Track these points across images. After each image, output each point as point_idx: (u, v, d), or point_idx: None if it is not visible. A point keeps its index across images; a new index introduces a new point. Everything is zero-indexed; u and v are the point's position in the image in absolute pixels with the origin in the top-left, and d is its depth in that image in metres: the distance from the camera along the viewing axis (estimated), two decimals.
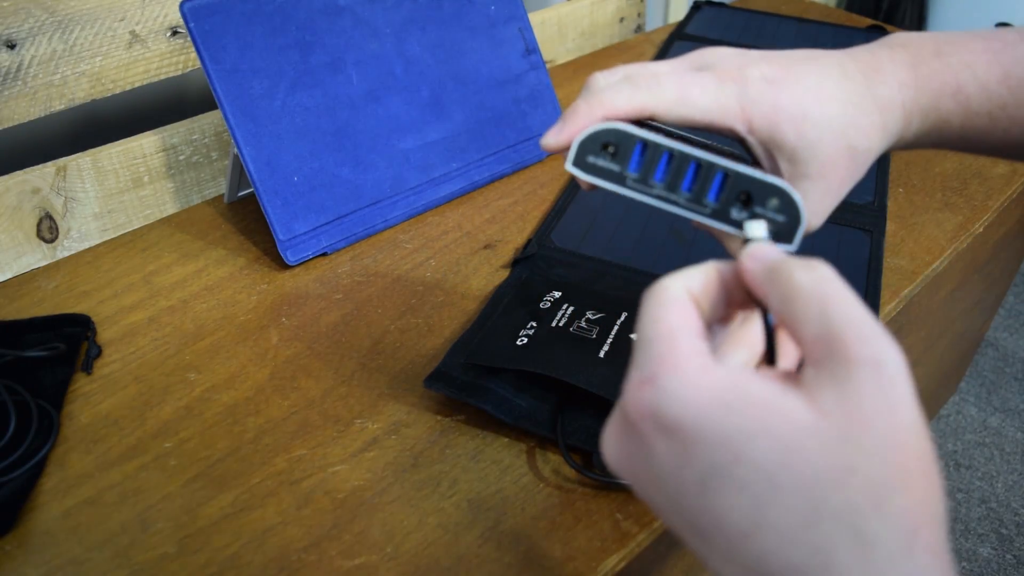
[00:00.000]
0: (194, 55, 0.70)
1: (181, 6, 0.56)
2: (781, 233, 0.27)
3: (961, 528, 1.27)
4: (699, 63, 0.33)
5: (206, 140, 0.70)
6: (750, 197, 0.27)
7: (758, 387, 0.22)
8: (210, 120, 0.70)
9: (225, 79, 0.57)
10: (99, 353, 0.53)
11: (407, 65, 0.66)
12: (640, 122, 0.31)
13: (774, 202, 0.27)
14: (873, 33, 0.99)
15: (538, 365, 0.46)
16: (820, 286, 0.22)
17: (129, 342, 0.54)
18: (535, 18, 0.93)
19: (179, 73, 0.70)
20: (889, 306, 0.56)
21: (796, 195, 0.27)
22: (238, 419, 0.48)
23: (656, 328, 0.24)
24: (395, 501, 0.43)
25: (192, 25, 0.56)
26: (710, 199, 0.28)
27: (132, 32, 0.66)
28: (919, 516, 0.21)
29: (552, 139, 0.31)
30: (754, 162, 0.34)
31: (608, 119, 0.30)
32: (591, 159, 0.28)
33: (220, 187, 0.73)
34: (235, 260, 0.62)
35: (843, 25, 1.02)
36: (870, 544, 0.20)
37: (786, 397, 0.22)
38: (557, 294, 0.54)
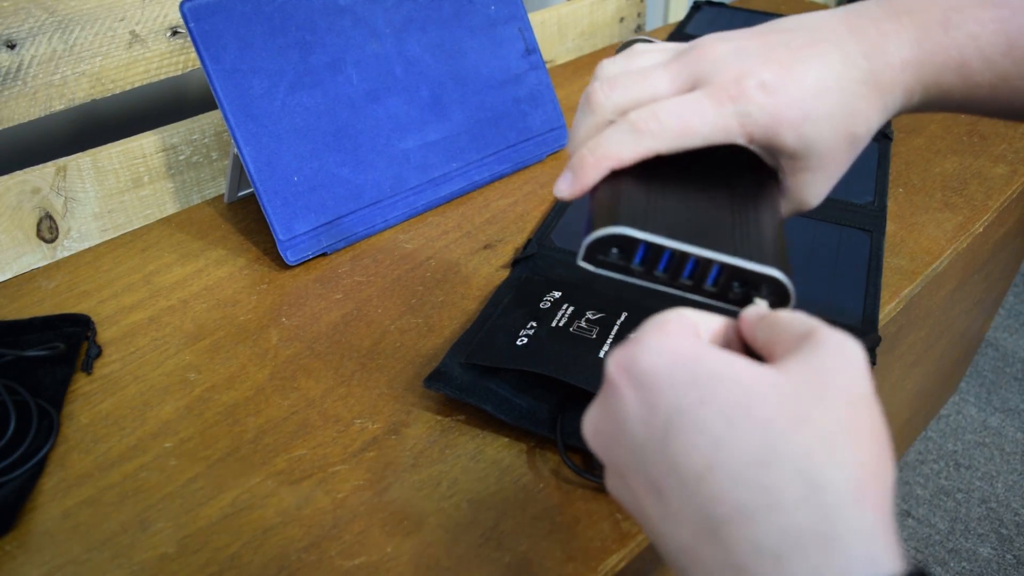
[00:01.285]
0: (194, 55, 0.70)
1: (181, 6, 0.56)
2: (775, 306, 0.30)
3: (961, 528, 1.27)
4: (696, 73, 0.33)
5: (206, 140, 0.70)
6: (745, 281, 0.30)
7: (728, 353, 0.25)
8: (210, 120, 0.70)
9: (225, 79, 0.57)
10: (99, 353, 0.53)
11: (407, 65, 0.66)
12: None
13: (766, 287, 0.29)
14: None
15: (538, 365, 0.46)
16: (801, 317, 0.26)
17: (129, 342, 0.54)
18: (535, 18, 0.93)
19: (179, 73, 0.70)
20: (889, 306, 0.56)
21: (786, 280, 0.29)
22: (238, 419, 0.48)
23: (652, 321, 0.27)
24: (395, 501, 0.43)
25: (192, 25, 0.56)
26: (709, 285, 0.30)
27: (132, 32, 0.66)
28: (868, 473, 0.22)
29: (565, 191, 0.33)
30: (757, 161, 0.34)
31: (616, 169, 0.32)
32: (599, 256, 0.31)
33: (220, 187, 0.73)
34: (235, 260, 0.62)
35: None
36: (819, 488, 0.21)
37: (751, 362, 0.24)
38: (557, 294, 0.54)
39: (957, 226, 0.65)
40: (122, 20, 0.65)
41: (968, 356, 1.37)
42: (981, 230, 0.66)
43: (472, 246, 0.63)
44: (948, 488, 1.34)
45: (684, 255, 0.30)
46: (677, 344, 0.25)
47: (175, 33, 0.68)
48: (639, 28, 1.11)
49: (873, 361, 0.50)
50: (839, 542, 0.20)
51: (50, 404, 0.48)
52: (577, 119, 0.34)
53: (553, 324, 0.50)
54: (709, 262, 0.29)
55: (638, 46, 0.36)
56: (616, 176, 0.32)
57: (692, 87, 0.33)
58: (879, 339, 0.51)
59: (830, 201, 0.66)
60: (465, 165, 0.69)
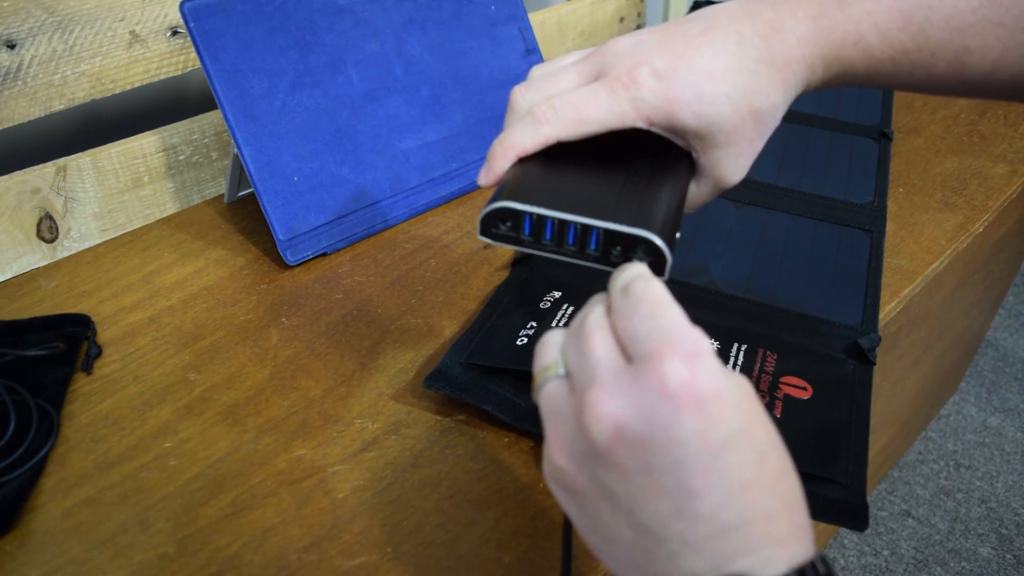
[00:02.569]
0: (194, 55, 0.70)
1: (181, 6, 0.56)
2: (655, 267, 0.32)
3: (961, 528, 1.27)
4: (597, 68, 0.36)
5: (206, 140, 0.70)
6: (623, 245, 0.32)
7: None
8: (210, 120, 0.70)
9: (225, 79, 0.57)
10: (99, 353, 0.53)
11: (407, 65, 0.66)
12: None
13: (642, 250, 0.32)
14: None
15: None
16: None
17: (129, 342, 0.54)
18: (535, 18, 0.93)
19: (179, 73, 0.70)
20: (889, 306, 0.56)
21: (658, 240, 0.31)
22: (238, 419, 0.48)
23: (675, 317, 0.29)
24: (395, 501, 0.43)
25: (192, 25, 0.56)
26: (591, 249, 0.33)
27: (132, 32, 0.66)
28: (779, 473, 0.28)
29: (482, 179, 0.36)
30: (671, 145, 0.37)
31: (521, 156, 0.35)
32: (494, 229, 0.34)
33: (220, 187, 0.73)
34: (235, 260, 0.62)
35: None
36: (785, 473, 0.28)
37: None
38: (557, 294, 0.54)
39: (957, 226, 0.65)
40: (122, 20, 0.65)
41: (968, 356, 1.37)
42: (981, 230, 0.66)
43: (472, 246, 0.63)
44: (948, 488, 1.34)
45: (564, 223, 0.32)
46: (722, 369, 0.27)
47: (175, 33, 0.68)
48: (639, 28, 1.11)
49: (873, 361, 0.50)
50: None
51: (50, 404, 0.48)
52: (505, 118, 0.38)
53: (553, 324, 0.50)
54: (587, 227, 0.32)
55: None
56: (523, 162, 0.35)
57: (594, 80, 0.35)
58: (879, 339, 0.51)
59: (830, 201, 0.66)
60: (465, 165, 0.69)
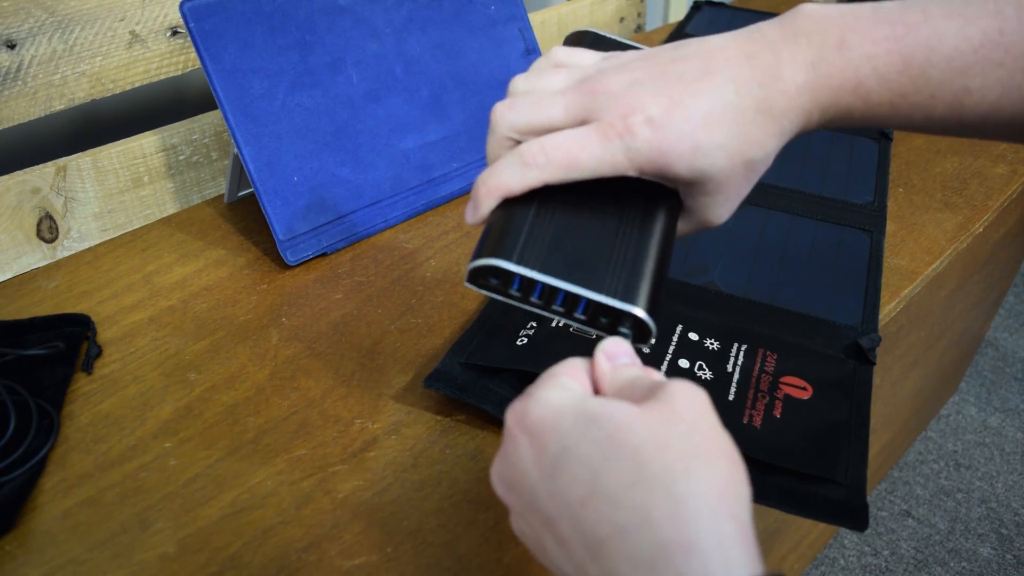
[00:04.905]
0: (194, 55, 0.70)
1: (181, 6, 0.56)
2: (639, 337, 0.33)
3: (961, 528, 1.27)
4: (588, 106, 0.34)
5: (206, 140, 0.70)
6: (611, 316, 0.32)
7: (604, 398, 0.29)
8: (210, 120, 0.70)
9: (225, 79, 0.57)
10: (99, 353, 0.53)
11: (407, 65, 0.66)
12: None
13: (628, 322, 0.32)
14: None
15: (538, 365, 0.46)
16: (650, 376, 0.31)
17: (129, 342, 0.54)
18: (535, 18, 0.93)
19: (179, 73, 0.70)
20: (889, 306, 0.56)
21: (646, 318, 0.32)
22: (238, 419, 0.48)
23: (546, 374, 0.31)
24: (395, 501, 0.43)
25: (192, 25, 0.56)
26: (579, 314, 0.33)
27: (132, 32, 0.66)
28: (722, 489, 0.26)
29: (470, 219, 0.36)
30: (652, 187, 0.36)
31: (507, 198, 0.35)
32: (481, 280, 0.34)
33: (220, 187, 0.73)
34: (235, 260, 0.62)
35: None
36: (681, 501, 0.25)
37: (616, 402, 0.28)
38: None
39: (957, 226, 0.65)
40: (122, 20, 0.65)
41: (968, 356, 1.37)
42: (981, 230, 0.66)
43: (472, 246, 0.63)
44: (948, 488, 1.34)
45: (554, 288, 0.32)
46: (563, 396, 0.29)
47: (175, 33, 0.68)
48: (639, 28, 1.11)
49: (873, 361, 0.50)
50: (698, 548, 0.24)
51: (50, 404, 0.48)
52: (487, 137, 0.37)
53: (553, 324, 0.50)
54: (577, 296, 0.32)
55: (557, 52, 0.38)
56: (509, 204, 0.35)
57: (584, 120, 0.34)
58: (879, 339, 0.51)
59: (830, 201, 0.66)
60: (465, 165, 0.69)
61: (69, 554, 0.40)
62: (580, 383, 0.31)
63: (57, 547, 0.41)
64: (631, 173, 0.34)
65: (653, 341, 0.33)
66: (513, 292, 0.33)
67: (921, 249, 0.62)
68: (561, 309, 0.33)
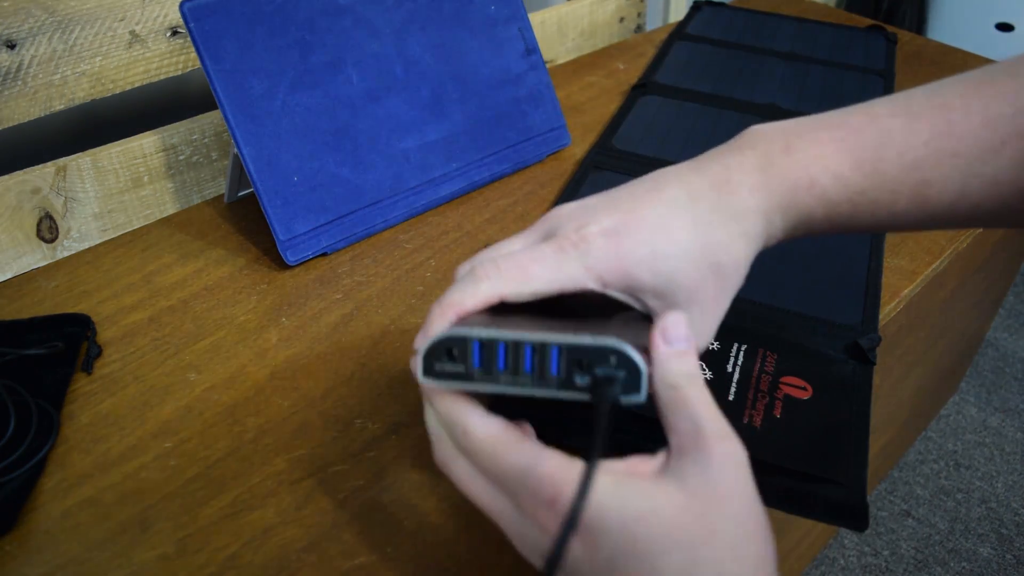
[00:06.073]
0: (194, 55, 0.70)
1: (181, 6, 0.56)
2: (629, 385, 0.29)
3: (961, 528, 1.27)
4: (546, 230, 0.34)
5: (206, 140, 0.70)
6: (590, 362, 0.28)
7: (639, 486, 0.28)
8: (210, 120, 0.70)
9: (225, 79, 0.57)
10: (99, 353, 0.53)
11: (407, 65, 0.66)
12: (497, 309, 0.33)
13: (612, 360, 0.28)
14: (873, 33, 0.99)
15: None
16: (690, 409, 0.29)
17: (129, 342, 0.54)
18: (535, 18, 0.93)
19: (179, 73, 0.70)
20: (889, 306, 0.57)
21: (629, 349, 0.28)
22: (238, 419, 0.48)
23: (523, 458, 0.29)
24: (395, 501, 0.43)
25: (192, 25, 0.56)
26: (553, 373, 0.29)
27: (132, 32, 0.66)
28: (760, 559, 0.28)
29: (419, 343, 0.33)
30: (624, 308, 0.34)
31: (462, 316, 0.32)
32: (438, 367, 0.30)
33: (220, 187, 0.73)
34: (235, 260, 0.62)
35: (843, 25, 1.02)
36: None
37: (661, 486, 0.28)
38: None
39: None
40: (122, 20, 0.65)
41: (968, 356, 1.37)
42: (981, 230, 0.66)
43: (472, 246, 0.63)
44: (948, 488, 1.35)
45: (519, 343, 0.29)
46: (605, 490, 0.28)
47: (175, 33, 0.68)
48: (639, 28, 1.11)
49: (873, 361, 0.50)
50: None
51: (50, 404, 0.48)
52: (431, 309, 0.35)
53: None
54: (545, 345, 0.29)
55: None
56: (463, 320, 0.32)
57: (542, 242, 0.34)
58: (879, 339, 0.51)
59: None
60: (465, 165, 0.69)
61: (69, 554, 0.40)
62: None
63: (57, 547, 0.41)
64: (592, 285, 0.32)
65: (646, 387, 0.29)
66: (474, 369, 0.30)
67: (921, 249, 0.62)
68: (531, 373, 0.29)
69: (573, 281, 0.32)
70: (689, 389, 0.29)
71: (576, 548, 0.28)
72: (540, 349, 0.29)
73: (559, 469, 0.28)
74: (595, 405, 0.28)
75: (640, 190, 0.35)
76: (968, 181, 0.33)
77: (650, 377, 0.29)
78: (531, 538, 0.29)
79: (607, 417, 0.28)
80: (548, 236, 0.34)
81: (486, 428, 0.30)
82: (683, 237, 0.33)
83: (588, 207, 0.34)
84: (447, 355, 0.30)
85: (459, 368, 0.30)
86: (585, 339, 0.28)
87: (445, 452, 0.32)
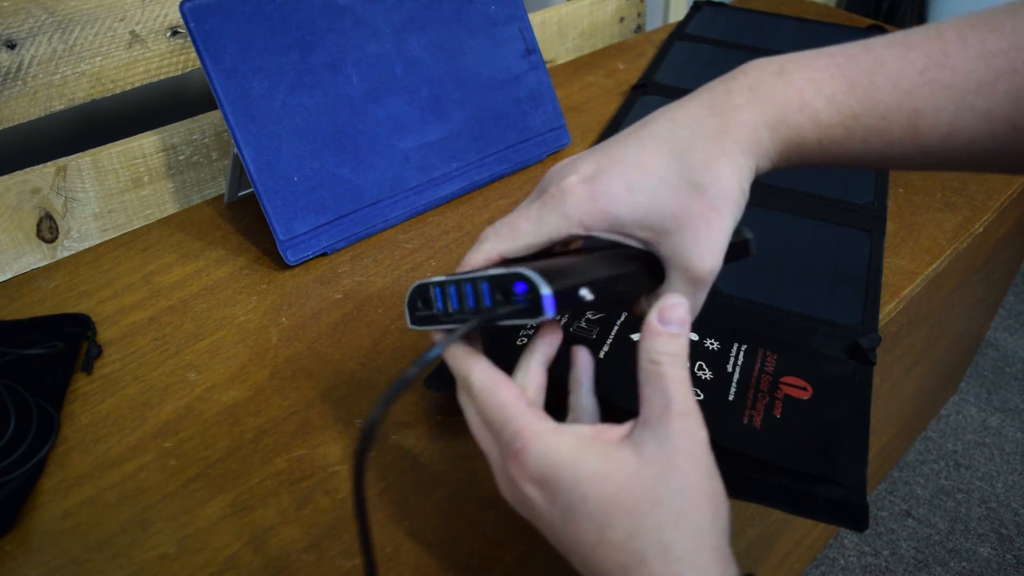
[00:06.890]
0: (194, 55, 0.70)
1: (181, 6, 0.56)
2: (531, 307, 0.31)
3: (961, 528, 1.27)
4: (540, 189, 0.37)
5: (206, 140, 0.70)
6: (508, 288, 0.32)
7: (599, 448, 0.31)
8: (210, 120, 0.70)
9: (225, 79, 0.57)
10: (99, 353, 0.53)
11: (407, 65, 0.66)
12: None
13: (522, 285, 0.31)
14: (872, 32, 0.99)
15: None
16: (666, 384, 0.31)
17: (129, 342, 0.54)
18: (535, 18, 0.93)
19: (179, 73, 0.70)
20: (889, 306, 0.57)
21: (528, 271, 0.31)
22: (238, 419, 0.48)
23: (505, 412, 0.32)
24: (395, 501, 0.43)
25: (192, 25, 0.56)
26: (487, 304, 0.33)
27: (132, 32, 0.66)
28: (705, 527, 0.30)
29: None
30: (623, 246, 0.36)
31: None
32: (417, 314, 0.36)
33: (220, 187, 0.73)
34: (235, 260, 0.62)
35: (843, 25, 1.02)
36: (670, 546, 0.29)
37: (619, 451, 0.31)
38: None
39: (957, 226, 0.65)
40: (122, 20, 0.65)
41: (968, 356, 1.37)
42: (981, 230, 0.66)
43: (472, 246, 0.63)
44: (948, 488, 1.34)
45: (460, 283, 0.33)
46: (555, 449, 0.31)
47: (175, 33, 0.68)
48: (639, 28, 1.11)
49: (873, 361, 0.50)
50: None
51: (50, 404, 0.48)
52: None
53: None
54: (475, 280, 0.33)
55: None
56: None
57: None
58: (879, 339, 0.51)
59: (830, 201, 0.66)
60: (465, 165, 0.69)
61: (69, 554, 0.40)
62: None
63: (57, 547, 0.41)
64: (576, 231, 0.35)
65: (550, 314, 0.31)
66: (438, 311, 0.35)
67: (921, 249, 0.62)
68: (474, 307, 0.33)
69: (556, 231, 0.35)
70: (668, 367, 0.31)
71: (537, 496, 0.31)
72: (475, 284, 0.33)
73: (528, 427, 0.31)
74: (490, 321, 0.32)
75: (628, 131, 0.36)
76: (961, 113, 0.33)
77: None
78: (503, 481, 0.34)
79: (481, 319, 0.32)
80: (540, 194, 0.37)
81: (482, 380, 0.33)
82: (657, 166, 0.34)
83: (575, 159, 0.36)
84: (422, 303, 0.35)
85: (429, 312, 0.35)
86: (500, 270, 0.32)
87: (461, 396, 0.35)
